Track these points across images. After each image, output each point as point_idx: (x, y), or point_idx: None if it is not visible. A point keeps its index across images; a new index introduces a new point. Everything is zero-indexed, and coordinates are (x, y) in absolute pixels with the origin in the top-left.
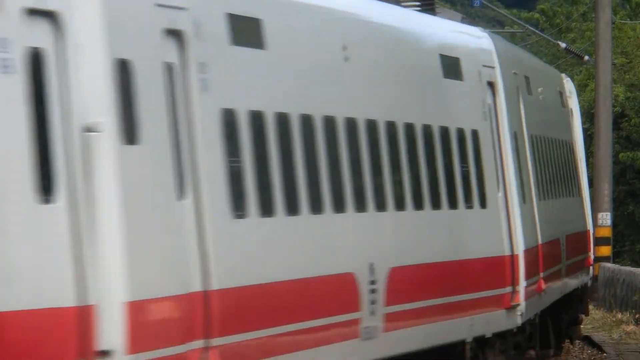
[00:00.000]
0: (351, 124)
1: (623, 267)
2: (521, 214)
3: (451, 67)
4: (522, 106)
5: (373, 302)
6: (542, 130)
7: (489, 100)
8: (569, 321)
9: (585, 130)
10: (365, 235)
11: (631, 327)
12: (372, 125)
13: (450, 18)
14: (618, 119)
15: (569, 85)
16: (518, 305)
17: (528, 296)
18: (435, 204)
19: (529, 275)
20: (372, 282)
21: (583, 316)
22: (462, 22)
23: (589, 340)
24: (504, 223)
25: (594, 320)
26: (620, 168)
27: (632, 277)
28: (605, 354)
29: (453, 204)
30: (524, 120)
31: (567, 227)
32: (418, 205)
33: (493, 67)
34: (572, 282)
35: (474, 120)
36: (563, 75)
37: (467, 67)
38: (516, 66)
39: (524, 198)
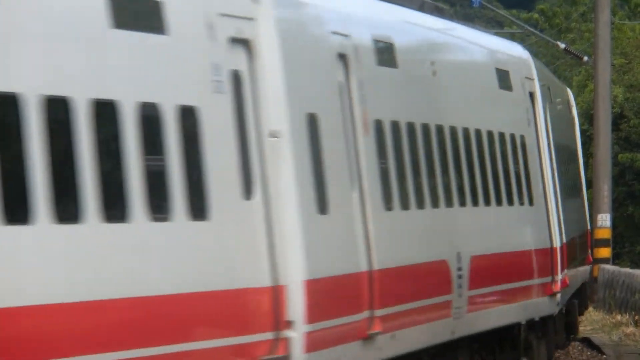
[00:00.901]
0: None
1: (622, 269)
2: (309, 228)
3: (159, 17)
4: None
5: None
6: (414, 116)
7: (230, 66)
8: None
9: (584, 132)
10: None
11: (630, 329)
12: None
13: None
14: (617, 120)
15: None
16: (284, 358)
17: (320, 345)
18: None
19: (318, 316)
20: None
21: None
22: (460, 22)
23: (588, 342)
24: (260, 241)
25: (594, 322)
26: (620, 169)
27: (631, 278)
28: (604, 356)
29: (116, 215)
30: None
31: (478, 245)
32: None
33: (250, 19)
34: (500, 316)
35: (189, 94)
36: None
37: (182, 17)
38: (365, 27)
39: (324, 207)
